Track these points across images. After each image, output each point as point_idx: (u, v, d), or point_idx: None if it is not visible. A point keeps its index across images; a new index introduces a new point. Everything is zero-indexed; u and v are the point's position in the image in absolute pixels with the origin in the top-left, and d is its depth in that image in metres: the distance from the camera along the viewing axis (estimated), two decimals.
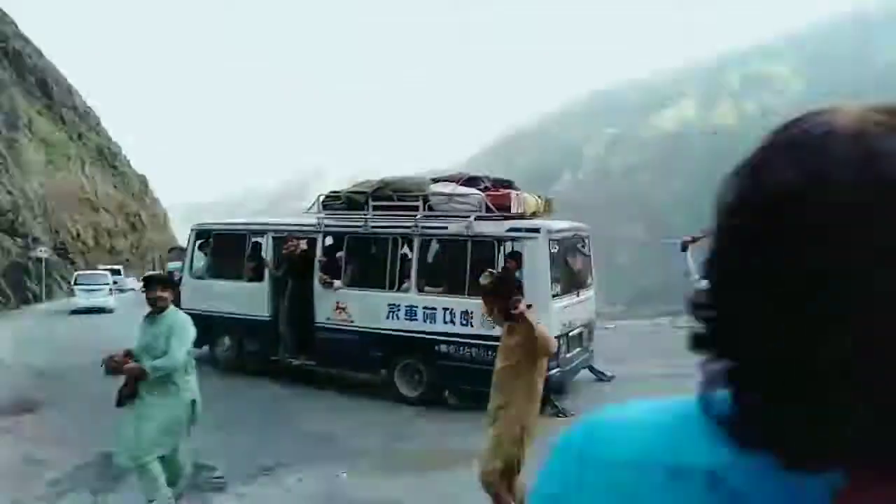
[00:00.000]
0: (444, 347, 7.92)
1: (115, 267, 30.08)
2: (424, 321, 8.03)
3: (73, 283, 23.08)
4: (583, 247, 8.76)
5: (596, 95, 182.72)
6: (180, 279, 9.99)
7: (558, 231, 8.01)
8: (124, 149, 55.67)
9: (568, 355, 7.79)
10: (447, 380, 8.05)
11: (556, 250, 7.76)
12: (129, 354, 4.60)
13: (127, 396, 4.57)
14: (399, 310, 8.20)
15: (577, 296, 8.23)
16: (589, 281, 8.91)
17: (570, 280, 8.15)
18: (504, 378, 4.05)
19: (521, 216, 8.12)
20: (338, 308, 8.63)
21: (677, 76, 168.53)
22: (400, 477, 5.65)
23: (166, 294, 4.67)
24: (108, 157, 50.23)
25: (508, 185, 8.93)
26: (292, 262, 9.09)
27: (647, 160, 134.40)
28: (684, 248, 4.53)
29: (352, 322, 8.57)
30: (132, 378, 4.50)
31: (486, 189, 8.42)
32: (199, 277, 10.05)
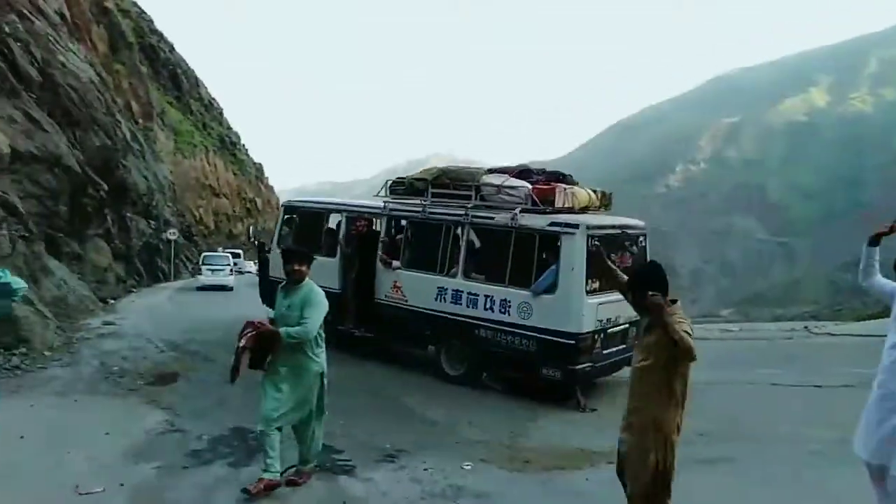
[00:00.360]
0: (483, 332, 8.28)
1: (236, 251, 32.03)
2: (467, 306, 8.43)
3: (200, 262, 25.65)
4: (631, 245, 8.53)
5: (714, 83, 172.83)
6: (270, 249, 11.18)
7: (600, 227, 7.97)
8: (243, 138, 58.79)
9: (604, 351, 7.91)
10: (485, 362, 8.54)
11: (595, 247, 7.53)
12: (272, 321, 4.90)
13: (259, 360, 4.73)
14: (446, 293, 8.64)
15: None
16: None
17: None
18: (638, 379, 3.67)
19: (570, 210, 8.18)
20: (395, 287, 9.24)
21: (806, 61, 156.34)
22: (526, 473, 5.47)
23: (303, 268, 4.88)
24: (228, 146, 53.31)
25: (563, 178, 8.91)
26: (360, 241, 9.81)
27: (768, 151, 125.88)
28: (875, 241, 3.80)
29: (406, 300, 9.12)
30: (268, 341, 4.66)
31: (536, 182, 8.50)
32: None
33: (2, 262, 5.51)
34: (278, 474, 4.76)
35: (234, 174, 50.90)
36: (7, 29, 15.67)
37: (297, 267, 4.84)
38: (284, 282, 4.99)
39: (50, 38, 18.41)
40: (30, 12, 17.78)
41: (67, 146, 16.29)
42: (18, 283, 3.95)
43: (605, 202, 9.12)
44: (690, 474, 5.27)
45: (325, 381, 4.93)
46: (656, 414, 3.54)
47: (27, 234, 11.92)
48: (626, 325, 8.21)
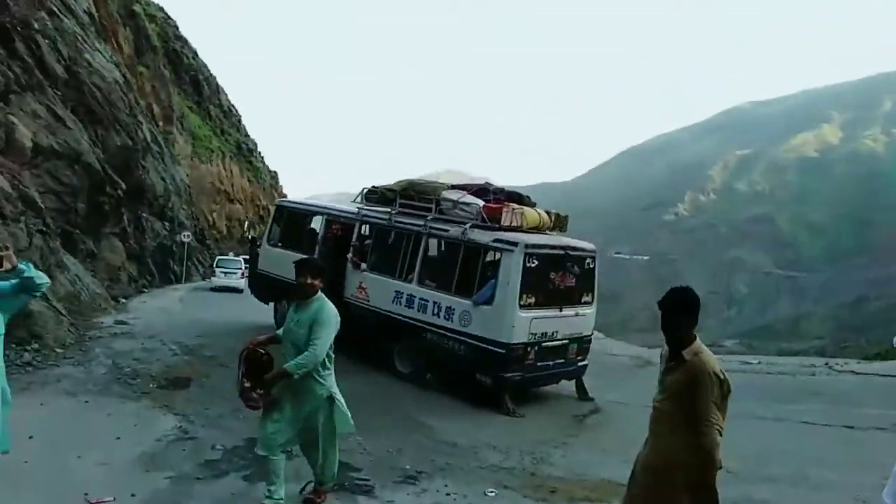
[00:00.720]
0: (429, 335, 8.85)
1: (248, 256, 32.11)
2: (418, 310, 9.02)
3: (214, 265, 26.18)
4: (573, 266, 8.97)
5: (727, 115, 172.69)
6: (260, 244, 12.20)
7: (539, 246, 8.46)
8: (260, 146, 58.99)
9: (539, 363, 8.45)
10: (430, 363, 9.06)
11: (534, 264, 8.25)
12: (271, 340, 4.60)
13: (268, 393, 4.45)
14: (402, 297, 9.24)
15: (560, 310, 8.66)
16: (585, 298, 9.28)
17: (551, 294, 8.59)
18: (659, 418, 3.36)
19: (517, 229, 8.67)
20: (360, 287, 9.89)
21: (819, 98, 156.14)
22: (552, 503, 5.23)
23: (316, 281, 4.46)
24: (244, 153, 53.47)
25: (520, 199, 9.50)
26: (336, 243, 10.54)
27: (779, 184, 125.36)
28: None
29: (368, 301, 9.75)
30: (259, 364, 4.41)
31: (489, 201, 9.10)
32: (274, 245, 11.75)
33: (18, 256, 5.35)
34: (281, 501, 4.43)
35: (250, 181, 50.96)
36: (36, 25, 15.76)
37: (309, 280, 4.42)
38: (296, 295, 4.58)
39: (78, 36, 18.51)
40: (59, 10, 17.91)
41: (89, 144, 16.29)
42: (42, 277, 3.76)
43: (559, 224, 9.63)
44: None
45: (338, 402, 4.51)
46: (684, 458, 3.20)
47: (44, 229, 11.83)
48: (566, 342, 8.83)
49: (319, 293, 4.51)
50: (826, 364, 12.50)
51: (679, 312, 3.31)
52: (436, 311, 8.79)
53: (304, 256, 5.05)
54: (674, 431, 3.25)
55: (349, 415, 4.60)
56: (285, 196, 61.12)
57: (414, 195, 9.65)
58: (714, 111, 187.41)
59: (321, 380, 4.40)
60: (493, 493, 5.29)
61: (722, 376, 3.22)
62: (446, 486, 5.37)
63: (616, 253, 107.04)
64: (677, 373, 3.27)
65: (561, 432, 7.54)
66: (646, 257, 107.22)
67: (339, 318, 4.48)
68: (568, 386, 10.00)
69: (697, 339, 3.31)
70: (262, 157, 59.11)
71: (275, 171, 60.23)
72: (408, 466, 5.79)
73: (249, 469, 5.34)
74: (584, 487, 5.71)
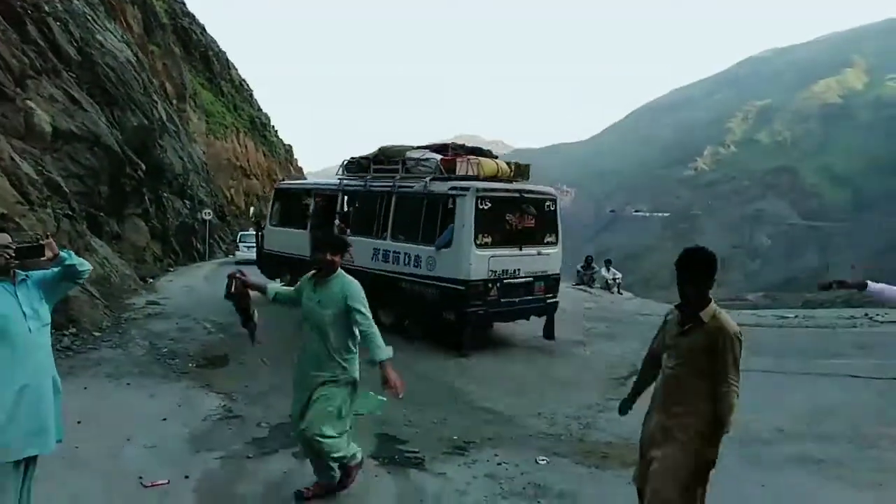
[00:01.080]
0: (404, 284, 9.54)
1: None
2: (393, 263, 9.75)
3: (237, 240, 26.58)
4: (529, 207, 9.49)
5: (745, 64, 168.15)
6: (265, 225, 13.14)
7: (491, 190, 9.09)
8: (273, 120, 58.71)
9: (503, 300, 9.12)
10: (406, 311, 9.81)
11: (486, 206, 8.89)
12: (258, 287, 4.61)
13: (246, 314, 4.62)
14: (380, 253, 9.97)
15: (520, 249, 9.28)
16: (549, 239, 9.85)
17: (509, 234, 9.24)
18: (672, 386, 3.23)
19: (474, 178, 9.26)
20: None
21: (842, 41, 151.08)
22: (606, 470, 5.12)
23: (336, 258, 4.19)
24: (258, 127, 53.25)
25: (479, 152, 10.22)
26: (324, 213, 11.29)
27: (801, 133, 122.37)
28: None
29: (352, 262, 9.95)
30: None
31: (448, 155, 9.76)
32: (275, 225, 12.77)
33: None
34: (333, 479, 4.36)
35: (265, 155, 50.79)
36: (47, 8, 15.59)
37: (329, 257, 4.15)
38: (312, 273, 4.31)
39: (88, 17, 18.34)
40: None
41: (107, 125, 16.23)
42: (84, 265, 3.67)
43: (521, 172, 10.14)
44: (781, 473, 4.94)
45: (360, 394, 4.32)
46: (700, 427, 3.11)
47: (71, 213, 11.84)
48: (531, 279, 9.46)
49: (339, 269, 4.26)
50: (866, 315, 12.21)
51: (695, 273, 3.16)
52: (407, 261, 9.52)
53: (319, 232, 4.89)
54: (693, 398, 3.13)
55: (373, 394, 4.48)
56: (300, 169, 61.12)
57: (384, 160, 10.53)
58: (731, 62, 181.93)
59: (344, 363, 4.17)
60: (545, 461, 5.22)
61: (741, 337, 3.12)
62: (496, 455, 5.31)
63: (636, 211, 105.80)
64: (694, 336, 3.15)
65: (603, 396, 7.42)
66: (666, 214, 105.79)
67: (363, 290, 4.23)
68: (602, 349, 9.93)
69: (713, 301, 3.18)
70: (276, 132, 58.89)
71: (289, 145, 60.02)
72: (455, 437, 5.73)
73: (297, 446, 5.29)
74: (636, 452, 5.59)
